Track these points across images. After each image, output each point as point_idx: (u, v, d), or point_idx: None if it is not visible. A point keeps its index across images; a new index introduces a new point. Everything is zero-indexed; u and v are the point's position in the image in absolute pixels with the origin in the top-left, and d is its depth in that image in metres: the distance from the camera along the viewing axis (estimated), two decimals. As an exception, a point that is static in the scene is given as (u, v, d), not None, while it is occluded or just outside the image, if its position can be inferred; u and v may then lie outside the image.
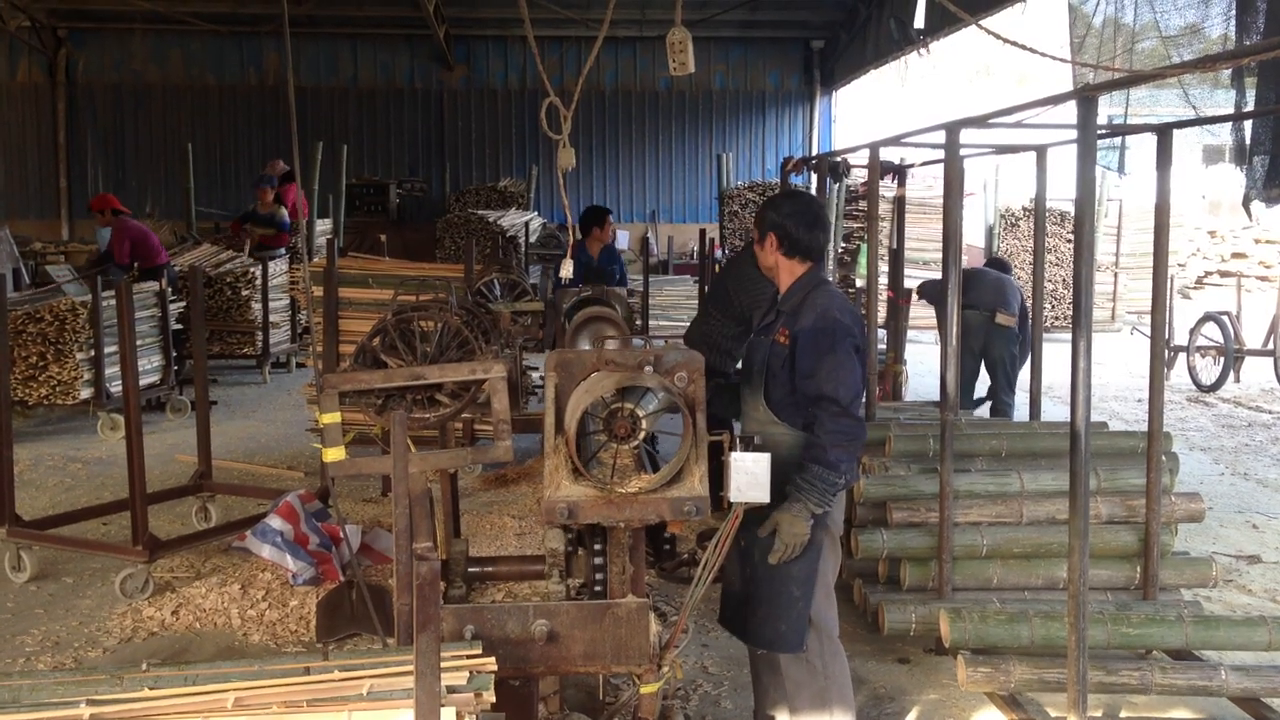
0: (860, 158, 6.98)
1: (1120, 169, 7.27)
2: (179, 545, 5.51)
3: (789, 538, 3.34)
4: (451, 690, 2.34)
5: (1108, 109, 7.68)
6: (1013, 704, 4.07)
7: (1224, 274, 18.85)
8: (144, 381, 8.60)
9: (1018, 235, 15.20)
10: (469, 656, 2.52)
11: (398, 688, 2.35)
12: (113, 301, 7.84)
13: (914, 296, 8.48)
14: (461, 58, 18.55)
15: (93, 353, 8.49)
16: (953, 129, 4.61)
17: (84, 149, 18.29)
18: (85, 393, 8.51)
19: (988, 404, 8.29)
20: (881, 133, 5.94)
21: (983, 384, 8.40)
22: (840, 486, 3.38)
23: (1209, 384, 10.95)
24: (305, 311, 11.12)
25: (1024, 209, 15.13)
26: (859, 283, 11.53)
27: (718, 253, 13.35)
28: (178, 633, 4.89)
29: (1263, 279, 18.53)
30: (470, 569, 4.18)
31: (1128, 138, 6.58)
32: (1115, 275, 15.38)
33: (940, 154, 5.64)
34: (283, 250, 12.41)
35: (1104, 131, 5.56)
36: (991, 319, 7.94)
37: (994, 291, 8.02)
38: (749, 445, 3.21)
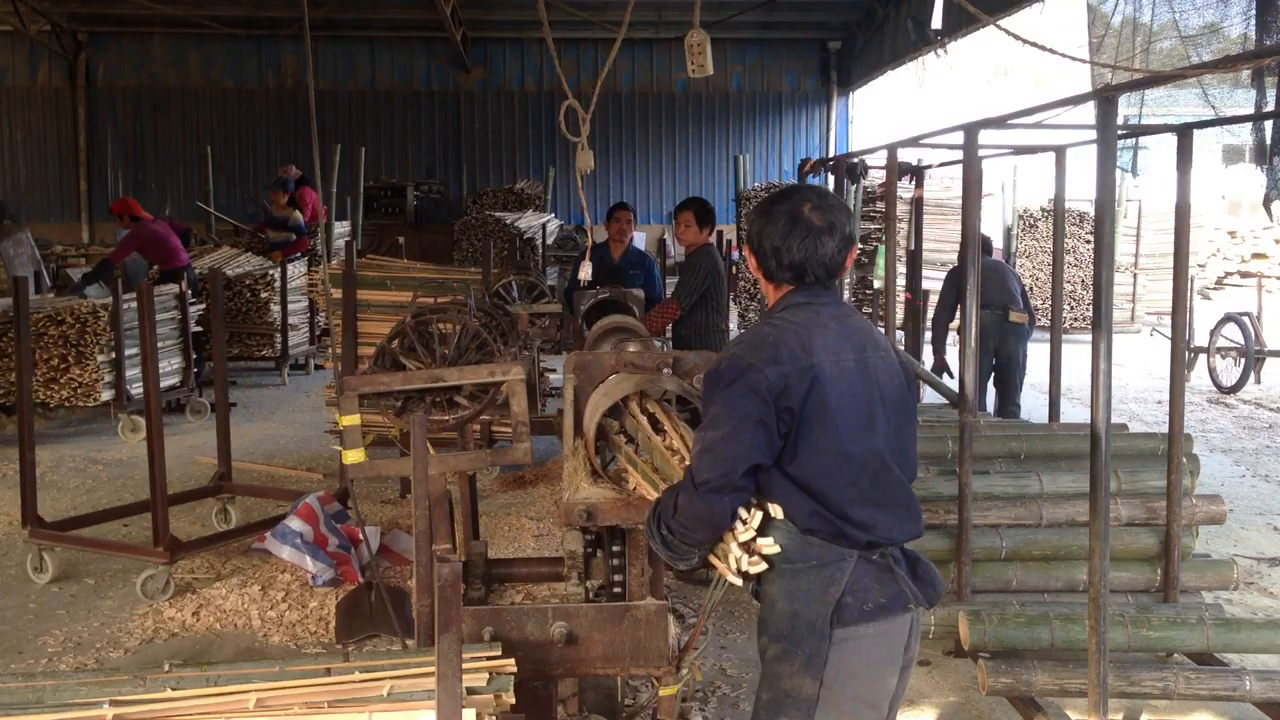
0: (878, 159, 6.98)
1: (1133, 170, 7.23)
2: (199, 546, 5.55)
3: None
4: (472, 692, 2.36)
5: (1123, 109, 7.64)
6: (1033, 706, 4.05)
7: (1244, 274, 18.71)
8: (164, 383, 8.64)
9: (1036, 236, 15.13)
10: (489, 658, 2.54)
11: (418, 689, 2.36)
12: (133, 304, 7.89)
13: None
14: (479, 60, 18.59)
15: (113, 355, 8.55)
16: (971, 130, 4.59)
17: (104, 152, 18.41)
18: (106, 395, 8.56)
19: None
20: (899, 133, 5.92)
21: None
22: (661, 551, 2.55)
23: (1229, 385, 10.87)
24: (324, 313, 11.17)
25: (1042, 210, 15.05)
26: (877, 284, 11.49)
27: (734, 254, 13.34)
28: (198, 634, 4.92)
29: (1284, 279, 18.39)
30: (489, 571, 4.19)
31: (1144, 138, 6.55)
32: (1134, 276, 15.29)
33: (958, 155, 5.63)
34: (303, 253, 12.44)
35: (1123, 132, 5.54)
36: (1004, 317, 7.75)
37: (998, 286, 7.77)
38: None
